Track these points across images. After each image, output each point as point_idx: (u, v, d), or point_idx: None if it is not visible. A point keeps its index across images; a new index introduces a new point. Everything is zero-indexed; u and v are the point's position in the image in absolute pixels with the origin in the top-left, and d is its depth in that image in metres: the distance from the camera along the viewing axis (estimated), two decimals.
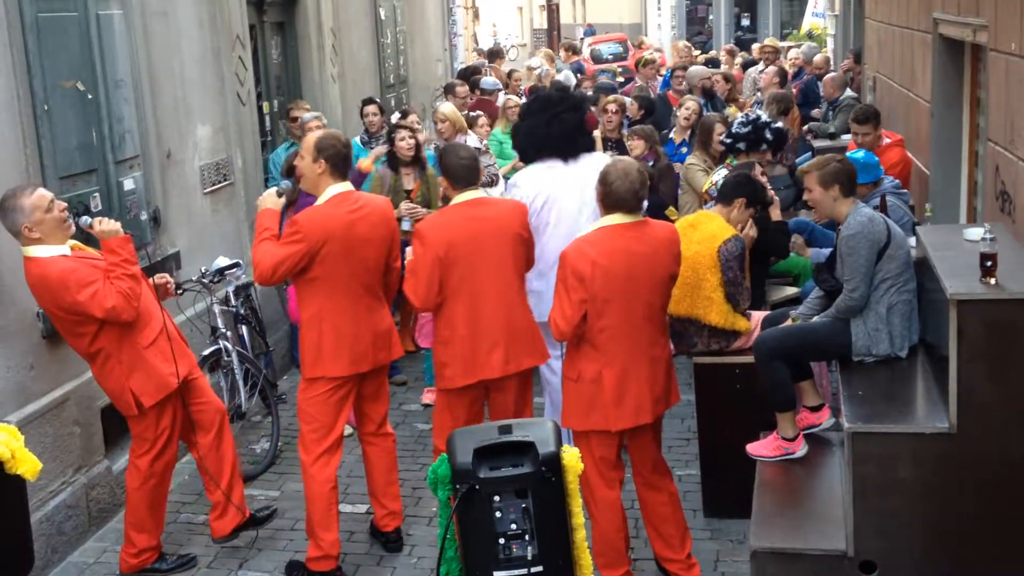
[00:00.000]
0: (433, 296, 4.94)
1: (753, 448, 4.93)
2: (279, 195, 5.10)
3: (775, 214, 6.29)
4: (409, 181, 7.59)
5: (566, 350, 4.70)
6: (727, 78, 10.88)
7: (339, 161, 4.94)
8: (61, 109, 5.52)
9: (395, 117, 8.54)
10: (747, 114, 7.42)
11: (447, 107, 8.63)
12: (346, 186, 5.00)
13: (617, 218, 4.55)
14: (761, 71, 12.38)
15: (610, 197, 4.54)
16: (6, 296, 5.02)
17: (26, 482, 3.71)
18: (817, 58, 13.30)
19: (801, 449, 4.87)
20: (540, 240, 5.56)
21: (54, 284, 4.58)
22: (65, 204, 4.83)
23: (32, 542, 4.09)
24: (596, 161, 5.81)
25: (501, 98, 11.67)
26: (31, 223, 4.60)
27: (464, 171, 5.05)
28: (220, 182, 7.31)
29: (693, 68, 12.07)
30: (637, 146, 8.13)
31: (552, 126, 5.85)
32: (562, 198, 5.72)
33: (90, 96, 5.78)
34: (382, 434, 5.38)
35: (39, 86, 5.33)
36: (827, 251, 6.39)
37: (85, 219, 4.94)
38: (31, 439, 4.03)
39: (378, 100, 9.08)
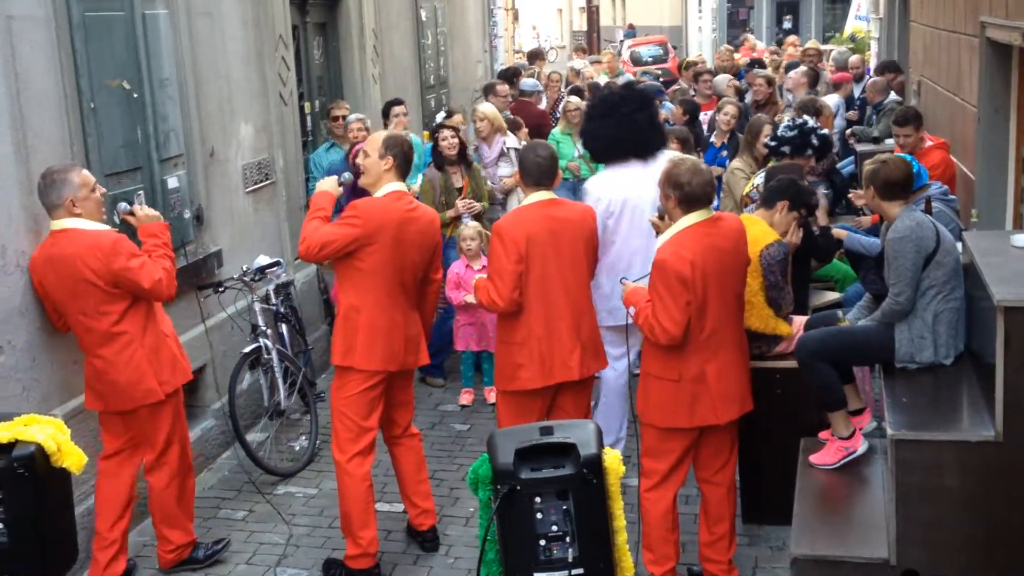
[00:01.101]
0: (513, 291, 4.92)
1: (816, 459, 4.87)
2: (340, 184, 5.23)
3: (821, 218, 6.24)
4: (458, 179, 7.65)
5: (654, 350, 4.63)
6: (769, 81, 10.79)
7: (403, 161, 5.03)
8: (107, 107, 5.59)
9: (440, 117, 8.56)
10: (794, 118, 7.35)
11: (487, 106, 8.64)
12: (402, 186, 5.05)
13: (696, 216, 4.55)
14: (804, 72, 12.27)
15: (688, 196, 4.53)
16: None
17: (71, 475, 3.75)
18: (853, 58, 13.15)
19: (862, 445, 4.84)
20: (615, 243, 5.65)
21: (107, 250, 4.64)
22: (104, 190, 4.97)
23: (76, 535, 4.13)
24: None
25: (543, 101, 11.69)
26: (77, 198, 4.70)
27: (538, 170, 5.07)
28: (262, 181, 7.36)
29: (719, 76, 12.05)
30: (673, 149, 8.08)
31: (624, 128, 5.86)
32: (638, 201, 5.74)
33: (135, 95, 5.84)
34: (408, 435, 5.41)
35: (86, 85, 5.40)
36: (864, 240, 6.33)
37: (124, 205, 5.08)
38: (74, 434, 4.06)
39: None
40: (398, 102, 8.75)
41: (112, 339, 4.79)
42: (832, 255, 6.52)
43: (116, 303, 4.75)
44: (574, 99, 10.14)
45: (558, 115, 9.27)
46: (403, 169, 5.05)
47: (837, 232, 6.64)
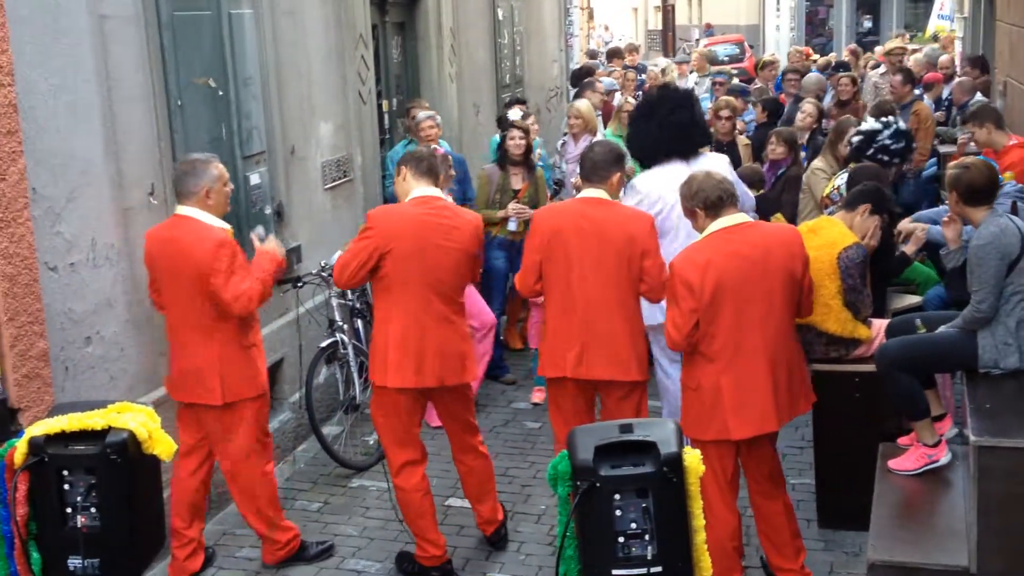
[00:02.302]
0: (530, 280, 5.01)
1: (896, 464, 4.82)
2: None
3: (908, 249, 6.09)
4: (517, 181, 7.64)
5: (683, 359, 4.67)
6: (853, 81, 10.63)
7: (421, 169, 4.97)
8: (193, 105, 5.72)
9: (514, 114, 8.52)
10: (883, 120, 7.21)
11: (583, 104, 8.60)
12: (432, 190, 5.00)
13: (722, 222, 4.51)
14: (883, 73, 12.07)
15: (702, 203, 4.53)
16: (140, 286, 5.20)
17: (160, 462, 3.85)
18: (943, 59, 12.88)
19: (945, 456, 4.76)
20: (663, 240, 5.57)
21: (213, 245, 4.71)
22: (232, 187, 5.15)
23: (164, 521, 4.24)
24: (716, 162, 5.80)
25: (618, 99, 11.65)
26: (213, 189, 4.84)
27: (589, 164, 5.06)
28: (340, 178, 7.47)
29: (809, 75, 11.84)
30: (778, 151, 8.02)
31: (665, 128, 5.85)
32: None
33: (220, 93, 5.97)
34: (472, 454, 5.25)
35: (173, 82, 5.53)
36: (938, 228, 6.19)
37: (260, 230, 5.24)
38: (162, 422, 4.18)
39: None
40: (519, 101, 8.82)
41: (194, 332, 4.85)
42: (900, 274, 6.43)
43: (209, 300, 4.80)
44: (630, 100, 10.10)
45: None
46: (426, 174, 4.98)
47: (909, 227, 6.51)
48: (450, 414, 5.20)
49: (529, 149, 7.67)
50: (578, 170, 8.26)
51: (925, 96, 11.38)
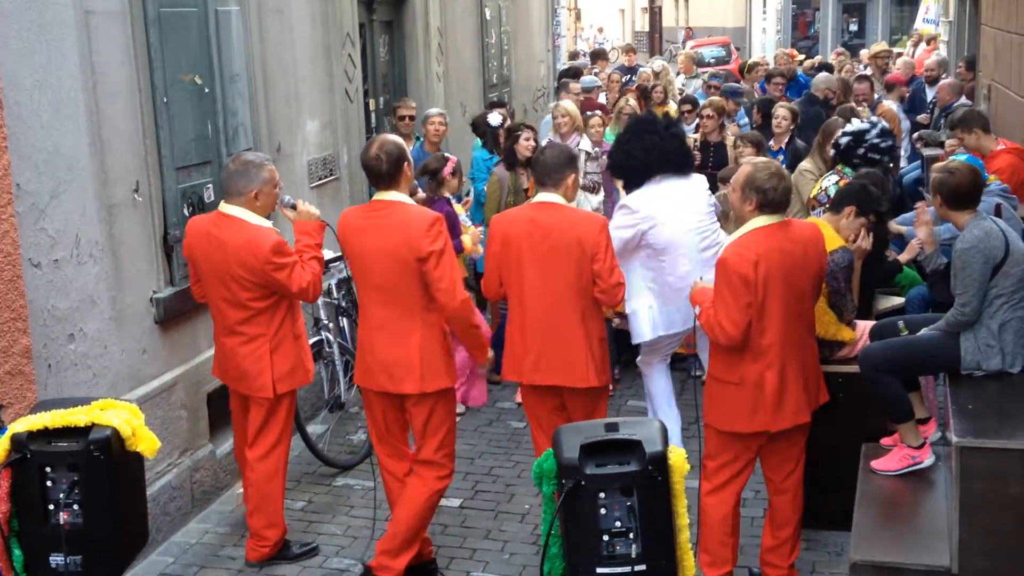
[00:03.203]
0: (493, 286, 5.04)
1: (879, 464, 4.84)
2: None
3: (903, 258, 6.13)
4: (525, 180, 7.65)
5: (717, 352, 4.60)
6: (847, 85, 10.70)
7: (371, 175, 4.83)
8: (179, 102, 5.70)
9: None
10: (870, 120, 7.24)
11: (569, 104, 8.61)
12: (388, 195, 4.77)
13: (766, 219, 4.52)
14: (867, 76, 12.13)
15: (770, 201, 4.50)
16: (124, 282, 5.19)
17: (144, 459, 3.84)
18: (930, 61, 12.94)
19: (929, 458, 4.78)
20: (655, 257, 5.78)
21: (265, 250, 4.81)
22: (282, 184, 5.20)
23: (148, 518, 4.23)
24: (699, 183, 6.05)
25: (601, 96, 11.66)
26: (262, 192, 4.91)
27: (541, 168, 4.99)
28: (326, 177, 7.45)
29: (819, 76, 11.80)
30: (745, 153, 8.03)
31: (655, 148, 5.93)
32: (675, 215, 5.82)
33: (207, 90, 5.95)
34: (424, 467, 4.93)
35: (159, 79, 5.50)
36: (940, 228, 6.19)
37: (288, 199, 5.23)
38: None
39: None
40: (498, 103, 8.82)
41: (240, 331, 5.00)
42: (891, 279, 6.47)
43: (257, 300, 4.92)
44: (633, 102, 10.10)
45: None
46: (377, 179, 4.77)
47: (897, 228, 6.56)
48: (413, 420, 4.97)
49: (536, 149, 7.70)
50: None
51: (887, 99, 11.45)
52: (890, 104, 10.92)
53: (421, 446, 4.93)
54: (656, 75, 12.90)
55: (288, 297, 5.00)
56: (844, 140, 6.88)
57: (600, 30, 42.49)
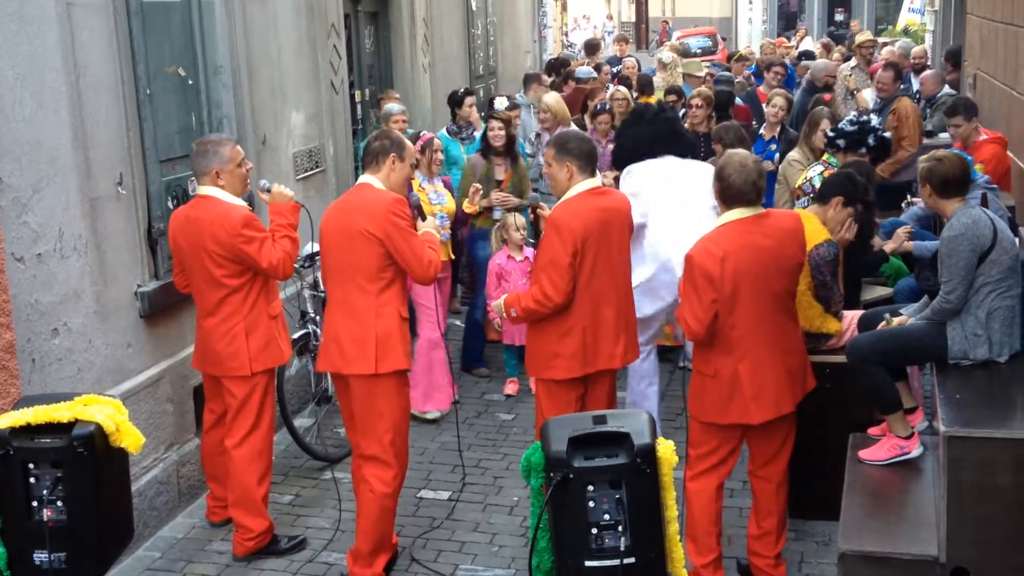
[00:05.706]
0: (571, 286, 4.83)
1: (867, 454, 4.83)
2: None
3: (888, 247, 6.15)
4: (500, 171, 7.64)
5: (696, 345, 4.63)
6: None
7: (363, 156, 5.02)
8: (163, 94, 5.66)
9: (500, 104, 8.64)
10: (860, 112, 7.27)
11: (551, 98, 8.60)
12: (362, 179, 4.94)
13: (738, 212, 4.50)
14: (853, 67, 12.10)
15: (729, 191, 4.49)
16: (108, 276, 5.16)
17: (128, 455, 3.82)
18: (915, 49, 12.94)
19: (917, 448, 4.78)
20: (648, 229, 5.82)
21: (234, 225, 4.89)
22: (252, 165, 5.27)
23: (132, 514, 4.20)
24: (707, 167, 6.02)
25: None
26: (223, 171, 4.98)
27: (588, 157, 5.00)
28: (312, 169, 7.42)
29: (819, 62, 11.73)
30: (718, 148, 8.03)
31: (657, 127, 6.09)
32: (669, 191, 5.90)
33: (190, 82, 5.91)
34: (369, 465, 4.86)
35: (142, 71, 5.46)
36: (929, 244, 6.22)
37: (264, 183, 5.32)
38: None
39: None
40: (469, 92, 8.89)
41: (218, 310, 5.04)
42: (876, 270, 6.48)
43: (230, 278, 4.99)
44: (622, 89, 10.06)
45: (608, 106, 9.17)
46: (366, 162, 4.95)
47: (900, 237, 6.56)
48: (355, 408, 4.91)
49: (512, 140, 7.69)
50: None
51: (869, 87, 11.42)
52: (866, 94, 10.88)
53: (362, 439, 4.86)
54: (664, 66, 12.41)
55: (261, 275, 5.05)
56: (850, 129, 6.84)
57: (587, 18, 42.38)
